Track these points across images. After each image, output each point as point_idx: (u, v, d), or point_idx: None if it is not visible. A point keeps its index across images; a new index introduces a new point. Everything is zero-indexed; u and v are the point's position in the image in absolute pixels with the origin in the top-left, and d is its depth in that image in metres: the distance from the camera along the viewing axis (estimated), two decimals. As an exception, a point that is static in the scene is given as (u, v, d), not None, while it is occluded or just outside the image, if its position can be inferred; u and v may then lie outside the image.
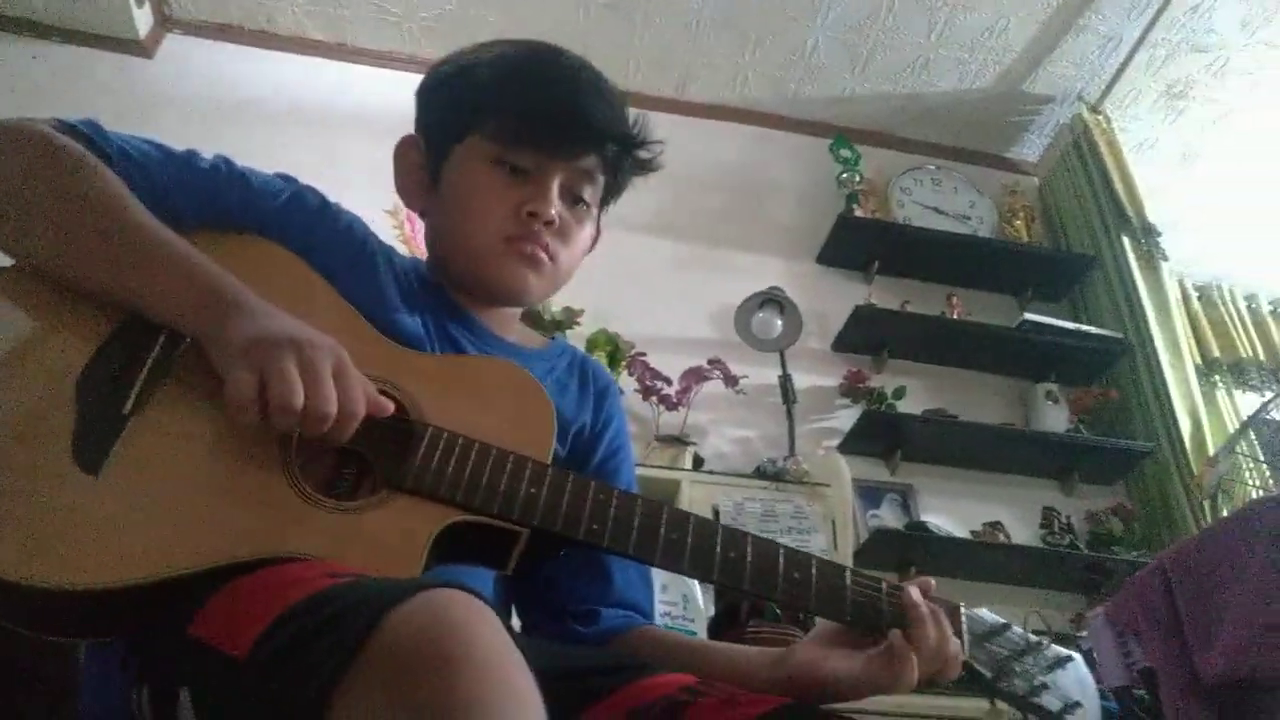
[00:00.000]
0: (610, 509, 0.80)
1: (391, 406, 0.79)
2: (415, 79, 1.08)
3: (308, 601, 0.59)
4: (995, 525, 3.04)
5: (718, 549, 0.80)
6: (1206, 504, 2.81)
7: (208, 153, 0.93)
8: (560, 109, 0.95)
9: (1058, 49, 3.51)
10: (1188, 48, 3.43)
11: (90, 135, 0.84)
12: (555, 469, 0.82)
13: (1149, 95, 3.63)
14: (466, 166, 0.97)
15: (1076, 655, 0.88)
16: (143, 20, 3.29)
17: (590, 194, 1.00)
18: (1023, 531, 3.08)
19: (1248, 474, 2.93)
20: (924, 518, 3.01)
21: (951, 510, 3.09)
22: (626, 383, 2.90)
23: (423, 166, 1.02)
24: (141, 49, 3.32)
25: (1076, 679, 0.86)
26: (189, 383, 0.76)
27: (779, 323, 3.08)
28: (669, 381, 2.89)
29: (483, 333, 1.00)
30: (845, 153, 3.63)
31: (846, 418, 3.15)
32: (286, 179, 0.97)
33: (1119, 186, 3.52)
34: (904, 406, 3.16)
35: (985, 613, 0.87)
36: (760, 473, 2.81)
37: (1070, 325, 3.40)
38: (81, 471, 0.68)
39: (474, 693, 0.48)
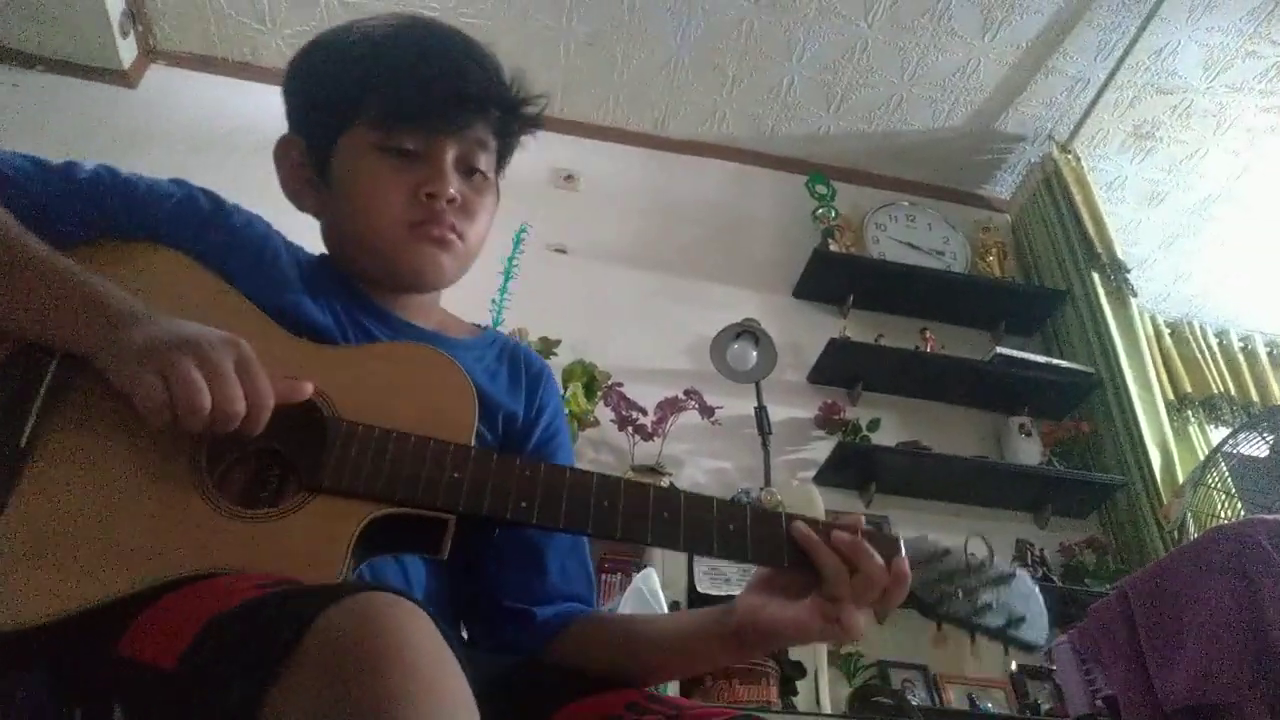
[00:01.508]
0: (537, 484, 0.78)
1: (310, 387, 0.77)
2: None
3: (237, 610, 0.59)
4: (969, 557, 3.04)
5: (650, 512, 0.79)
6: (1176, 534, 2.84)
7: (89, 163, 0.89)
8: (437, 83, 0.91)
9: (1028, 89, 3.60)
10: (1153, 90, 3.53)
11: None
12: (478, 449, 0.80)
13: (1117, 135, 3.72)
14: (353, 159, 0.93)
15: (1020, 571, 0.86)
16: (126, 50, 3.33)
17: (485, 162, 0.97)
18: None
19: (1220, 507, 2.96)
20: (898, 550, 3.02)
21: (926, 543, 3.10)
22: (602, 413, 2.92)
23: (307, 165, 0.98)
24: (125, 79, 3.35)
25: (1020, 593, 0.85)
26: (86, 407, 0.74)
27: (754, 354, 3.11)
28: (644, 412, 2.90)
29: (397, 323, 0.97)
30: (821, 189, 3.70)
31: (821, 449, 3.17)
32: (179, 183, 0.93)
33: (1089, 224, 3.59)
34: (878, 439, 3.18)
35: (927, 538, 0.85)
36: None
37: (1042, 359, 3.44)
38: None
39: (403, 691, 0.49)
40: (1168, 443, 3.23)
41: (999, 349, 3.40)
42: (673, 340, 3.31)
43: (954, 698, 2.77)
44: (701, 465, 3.08)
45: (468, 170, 0.96)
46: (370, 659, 0.50)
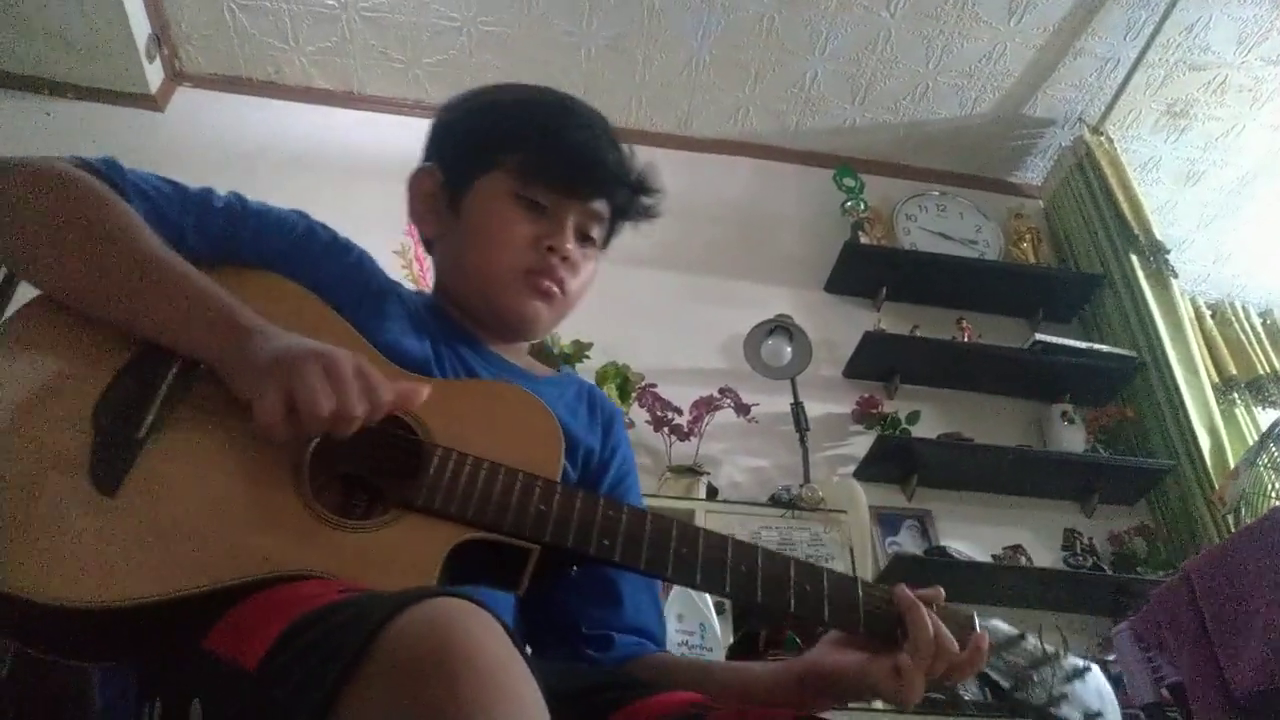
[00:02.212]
0: (620, 525, 0.81)
1: (426, 389, 0.81)
2: (422, 123, 1.14)
3: (315, 614, 0.60)
4: (1016, 549, 2.99)
5: (728, 563, 0.81)
6: (1230, 518, 2.77)
7: (223, 190, 0.96)
8: (580, 153, 1.02)
9: (1056, 72, 3.54)
10: (1185, 67, 3.46)
11: (108, 174, 0.88)
12: (565, 486, 0.83)
13: (1150, 115, 3.65)
14: (489, 198, 1.02)
15: (1094, 666, 0.88)
16: (154, 75, 3.37)
17: (598, 233, 1.07)
18: (1045, 555, 3.03)
19: (1271, 487, 2.88)
20: (943, 543, 2.97)
21: (971, 535, 3.05)
22: (637, 414, 2.90)
23: (439, 195, 1.06)
24: (153, 103, 3.39)
25: (1095, 689, 0.86)
26: (203, 408, 0.78)
27: (788, 350, 3.08)
28: (680, 412, 2.88)
29: (491, 357, 1.03)
30: (849, 182, 3.65)
31: (860, 444, 3.13)
32: (300, 214, 1.00)
33: (1124, 206, 3.53)
34: (918, 431, 3.14)
35: (1000, 623, 0.86)
36: (775, 501, 2.79)
37: (1082, 345, 3.38)
38: (98, 493, 0.70)
39: (476, 697, 0.49)
40: (1216, 425, 3.16)
41: (1037, 336, 3.33)
42: (705, 339, 3.29)
43: (1007, 692, 2.72)
44: (739, 464, 3.05)
45: (582, 236, 1.05)
46: (440, 665, 0.50)
